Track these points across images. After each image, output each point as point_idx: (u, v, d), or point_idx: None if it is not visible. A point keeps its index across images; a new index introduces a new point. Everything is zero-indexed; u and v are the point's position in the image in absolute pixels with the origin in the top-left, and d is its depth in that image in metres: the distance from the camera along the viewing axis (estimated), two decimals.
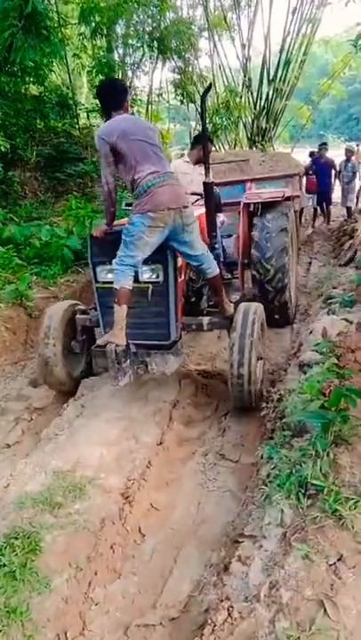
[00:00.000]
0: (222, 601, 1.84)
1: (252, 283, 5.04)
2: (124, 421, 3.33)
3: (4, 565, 2.09)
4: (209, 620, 1.78)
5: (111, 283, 3.16)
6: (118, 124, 3.09)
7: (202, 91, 12.35)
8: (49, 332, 3.71)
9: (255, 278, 4.96)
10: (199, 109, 4.02)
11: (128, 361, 3.23)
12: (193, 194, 4.20)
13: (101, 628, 2.07)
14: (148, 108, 13.34)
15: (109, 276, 3.29)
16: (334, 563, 1.75)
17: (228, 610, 1.78)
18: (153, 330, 3.38)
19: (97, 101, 12.23)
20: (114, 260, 3.05)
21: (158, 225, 3.00)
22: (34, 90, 10.54)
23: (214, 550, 2.38)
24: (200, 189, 3.94)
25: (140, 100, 12.70)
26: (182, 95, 12.88)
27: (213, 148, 6.03)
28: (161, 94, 13.85)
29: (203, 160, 4.02)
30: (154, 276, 3.28)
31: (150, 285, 3.26)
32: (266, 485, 2.33)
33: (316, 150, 10.10)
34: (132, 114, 3.54)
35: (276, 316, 4.92)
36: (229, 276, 4.84)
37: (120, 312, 3.06)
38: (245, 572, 1.95)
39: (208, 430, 3.51)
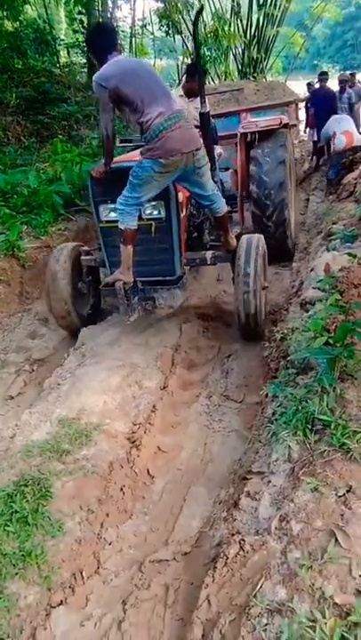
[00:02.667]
0: (233, 535, 1.86)
1: (252, 219, 5.01)
2: (126, 368, 3.31)
3: (16, 512, 2.10)
4: (221, 553, 1.81)
5: (114, 222, 3.19)
6: (116, 67, 2.96)
7: (188, 20, 11.58)
8: (57, 274, 3.76)
9: (255, 214, 4.94)
10: (191, 38, 4.21)
11: (136, 297, 3.38)
12: None
13: (116, 566, 2.13)
14: (131, 41, 12.58)
15: (112, 214, 3.33)
16: (344, 494, 1.76)
17: (239, 543, 1.81)
18: (158, 266, 3.46)
19: (77, 36, 11.60)
20: (118, 200, 3.04)
21: (169, 170, 2.97)
22: (8, 26, 9.85)
23: (223, 488, 2.41)
24: (196, 123, 3.76)
25: (122, 31, 11.92)
26: (168, 26, 12.08)
27: (206, 82, 5.96)
28: (145, 26, 13.00)
29: (196, 91, 3.89)
30: (156, 213, 3.31)
31: (153, 222, 3.31)
32: (272, 423, 2.33)
33: (316, 81, 9.53)
34: None
35: (277, 252, 4.86)
36: (229, 210, 4.79)
37: (126, 252, 3.13)
38: (255, 506, 1.97)
39: (211, 373, 3.51)
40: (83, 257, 3.93)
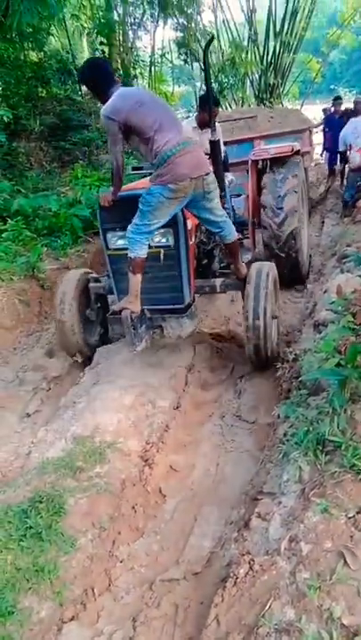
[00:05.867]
0: (243, 555, 1.87)
1: (264, 247, 5.00)
2: (139, 387, 3.35)
3: (31, 527, 2.15)
4: (231, 573, 1.82)
5: (122, 249, 3.19)
6: (124, 98, 2.95)
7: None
8: (64, 300, 3.79)
9: (266, 243, 4.90)
10: (203, 66, 4.20)
11: (144, 326, 3.32)
12: None
13: (127, 584, 2.15)
14: (151, 69, 12.97)
15: (120, 242, 3.33)
16: (353, 515, 1.76)
17: (249, 563, 1.82)
18: (166, 294, 3.42)
19: None
20: (128, 228, 3.03)
21: (179, 196, 2.96)
22: (33, 56, 10.27)
23: (234, 508, 2.42)
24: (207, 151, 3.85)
25: (142, 61, 12.31)
26: (186, 54, 12.44)
27: (220, 109, 5.86)
28: (164, 54, 13.40)
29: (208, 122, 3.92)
30: (164, 240, 3.29)
31: (162, 250, 3.28)
32: (283, 444, 2.34)
33: (331, 106, 9.67)
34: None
35: (290, 278, 4.90)
36: (240, 237, 4.76)
37: (135, 280, 3.10)
38: (265, 527, 1.98)
39: (224, 393, 3.53)
40: (91, 284, 3.94)
